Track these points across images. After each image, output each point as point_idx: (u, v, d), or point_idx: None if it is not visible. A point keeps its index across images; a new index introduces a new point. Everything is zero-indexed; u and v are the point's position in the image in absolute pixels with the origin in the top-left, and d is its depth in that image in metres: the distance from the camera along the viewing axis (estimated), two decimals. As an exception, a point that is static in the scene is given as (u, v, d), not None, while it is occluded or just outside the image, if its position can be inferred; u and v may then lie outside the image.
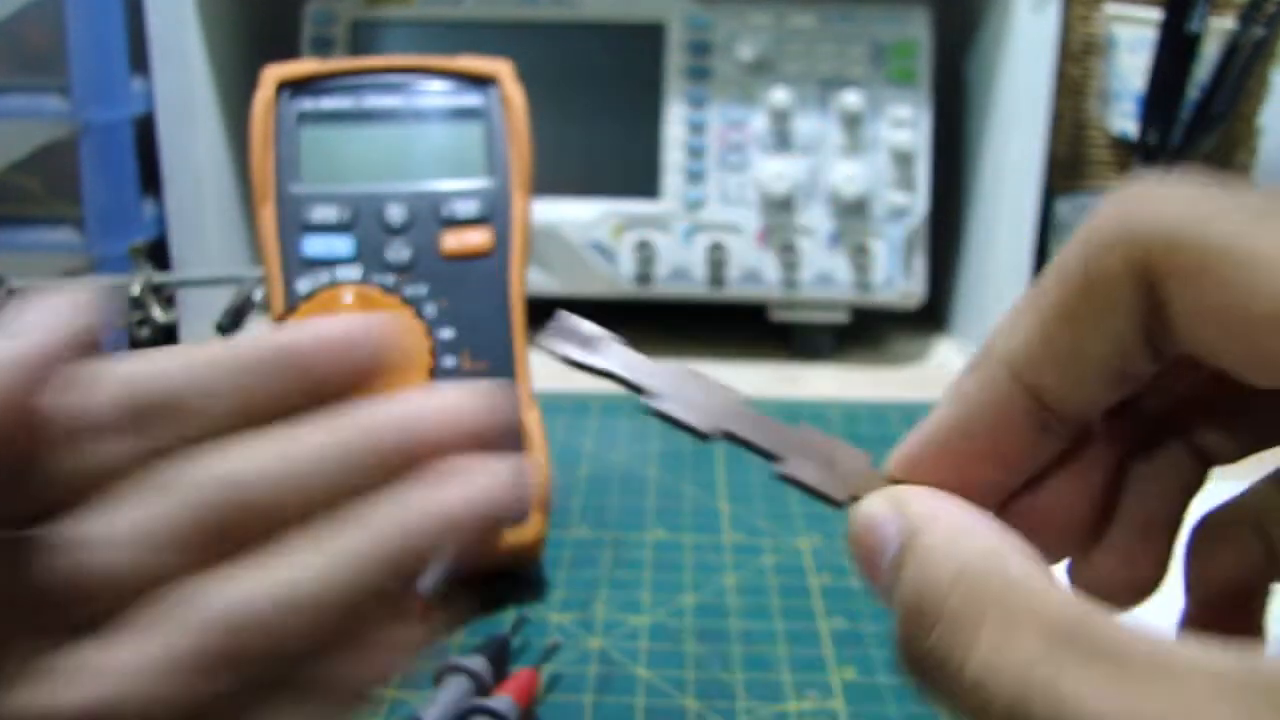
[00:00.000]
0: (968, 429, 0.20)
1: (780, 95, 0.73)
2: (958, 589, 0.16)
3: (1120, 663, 0.15)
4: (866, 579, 0.20)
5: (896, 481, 0.22)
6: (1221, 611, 0.21)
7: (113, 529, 0.20)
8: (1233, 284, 0.16)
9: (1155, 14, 0.72)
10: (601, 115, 0.76)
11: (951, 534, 0.17)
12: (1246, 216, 0.16)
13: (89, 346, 0.21)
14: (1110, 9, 0.74)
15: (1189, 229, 0.16)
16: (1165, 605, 0.21)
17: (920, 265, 0.75)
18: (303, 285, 0.46)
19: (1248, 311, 0.16)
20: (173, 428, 0.21)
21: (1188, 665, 0.15)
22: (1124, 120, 0.75)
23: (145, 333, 0.60)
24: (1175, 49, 0.71)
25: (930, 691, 0.17)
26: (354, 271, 0.47)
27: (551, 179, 0.72)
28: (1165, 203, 0.17)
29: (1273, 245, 0.15)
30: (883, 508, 0.19)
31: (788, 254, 0.74)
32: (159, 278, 0.61)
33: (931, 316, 0.86)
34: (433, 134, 0.49)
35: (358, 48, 0.76)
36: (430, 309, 0.47)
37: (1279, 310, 0.15)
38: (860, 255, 0.74)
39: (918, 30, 0.74)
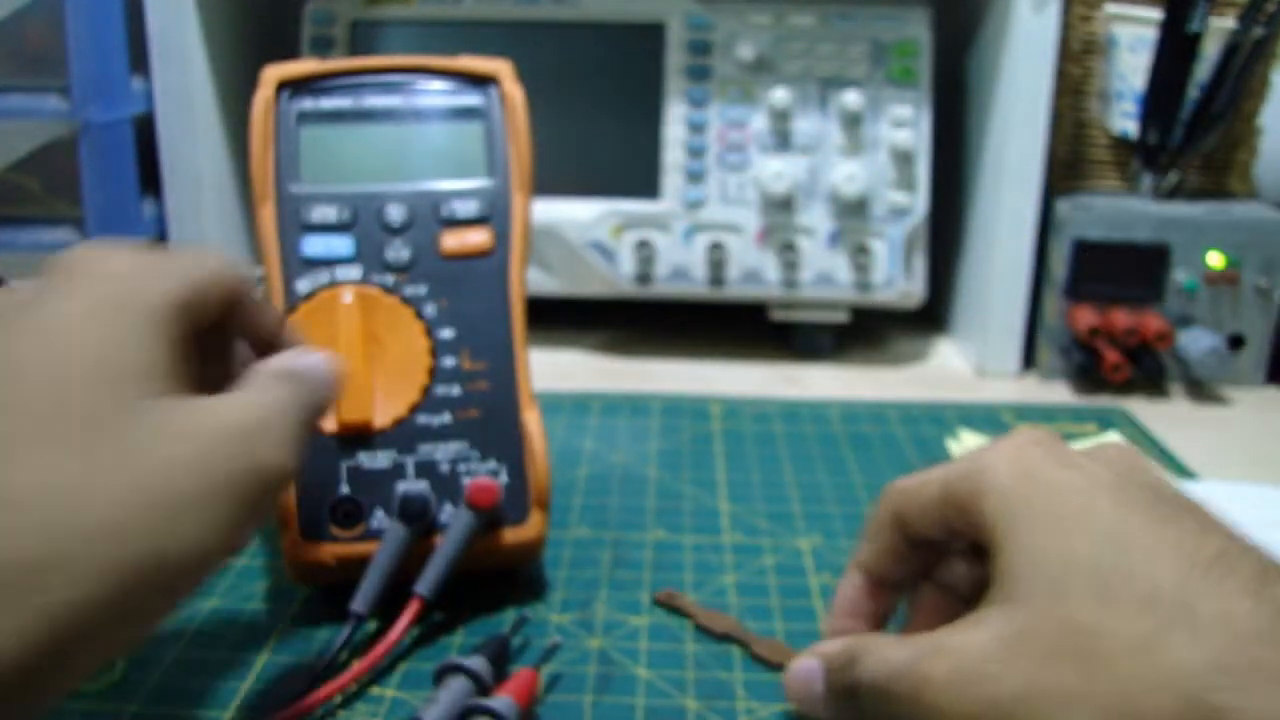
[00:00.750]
0: (849, 599, 0.39)
1: (780, 95, 0.73)
2: (846, 655, 0.34)
3: (911, 644, 0.32)
4: (799, 696, 0.36)
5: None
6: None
7: None
8: (916, 495, 0.36)
9: (1156, 14, 0.72)
10: (602, 115, 0.76)
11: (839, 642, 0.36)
12: (927, 471, 0.36)
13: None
14: (1111, 8, 0.74)
15: (908, 481, 0.37)
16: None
17: (920, 265, 0.75)
18: (302, 285, 0.46)
19: (919, 505, 0.36)
20: None
21: (943, 635, 0.32)
22: (1124, 120, 0.75)
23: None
24: (1176, 49, 0.71)
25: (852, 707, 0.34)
26: (353, 271, 0.47)
27: (551, 179, 0.72)
28: (904, 479, 0.37)
29: (931, 474, 0.36)
30: (808, 658, 0.36)
31: (788, 254, 0.74)
32: (159, 278, 0.60)
33: (931, 316, 0.86)
34: (432, 134, 0.49)
35: (357, 47, 0.76)
36: (430, 309, 0.47)
37: (928, 499, 0.36)
38: (860, 255, 0.74)
39: (918, 30, 0.74)
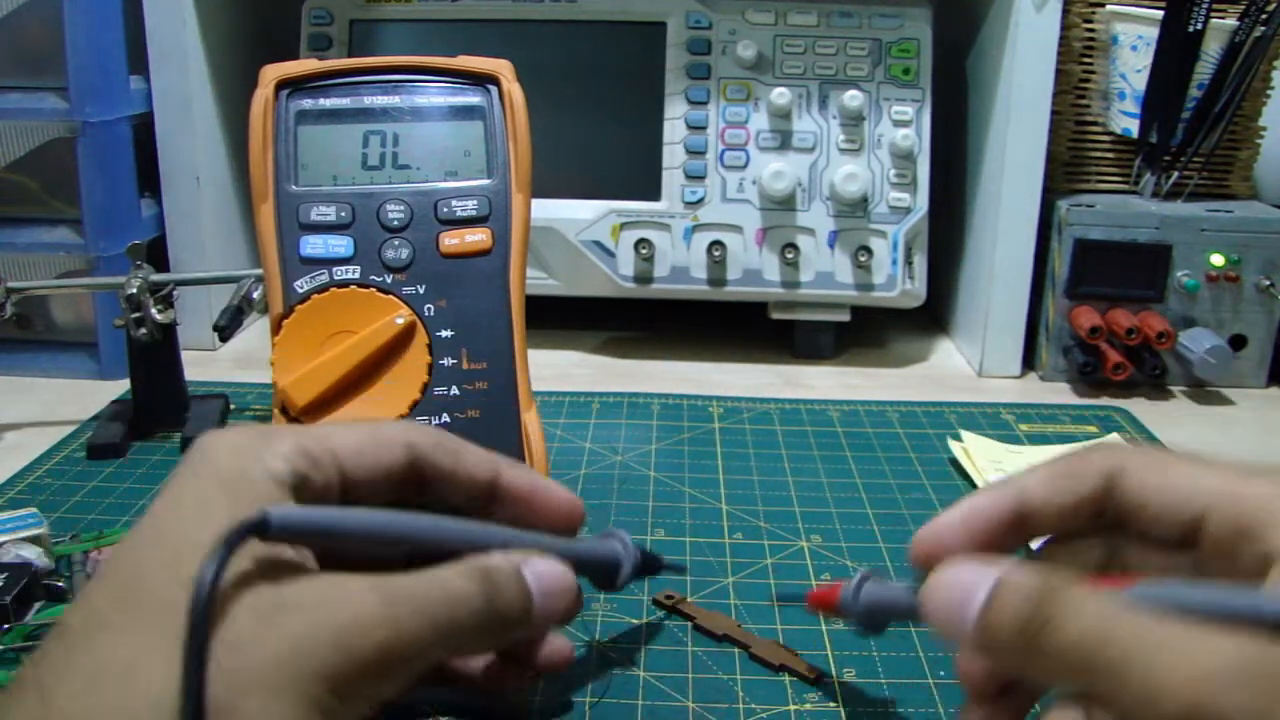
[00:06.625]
0: (985, 517, 0.33)
1: (780, 95, 0.73)
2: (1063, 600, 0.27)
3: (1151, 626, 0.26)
4: (941, 613, 0.29)
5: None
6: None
7: None
8: (1162, 471, 0.31)
9: (1157, 13, 0.71)
10: (602, 114, 0.76)
11: (1031, 573, 0.28)
12: (1168, 451, 0.33)
13: None
14: (1112, 8, 0.74)
15: (1147, 452, 0.33)
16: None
17: (921, 265, 0.75)
18: (301, 285, 0.46)
19: (1163, 482, 0.31)
20: None
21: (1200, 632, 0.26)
22: (1125, 119, 0.75)
23: (143, 333, 0.60)
24: (1177, 48, 0.71)
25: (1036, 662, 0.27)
26: (352, 271, 0.47)
27: (552, 179, 0.72)
28: (1132, 445, 0.34)
29: (1180, 459, 0.32)
30: (970, 571, 0.29)
31: (788, 254, 0.74)
32: (157, 277, 0.60)
33: (932, 316, 0.86)
34: (432, 133, 0.49)
35: (356, 46, 0.76)
36: (429, 309, 0.47)
37: (1181, 483, 0.31)
38: (861, 255, 0.73)
39: (919, 29, 0.74)
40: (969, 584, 0.28)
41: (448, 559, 0.31)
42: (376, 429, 0.34)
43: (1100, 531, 0.33)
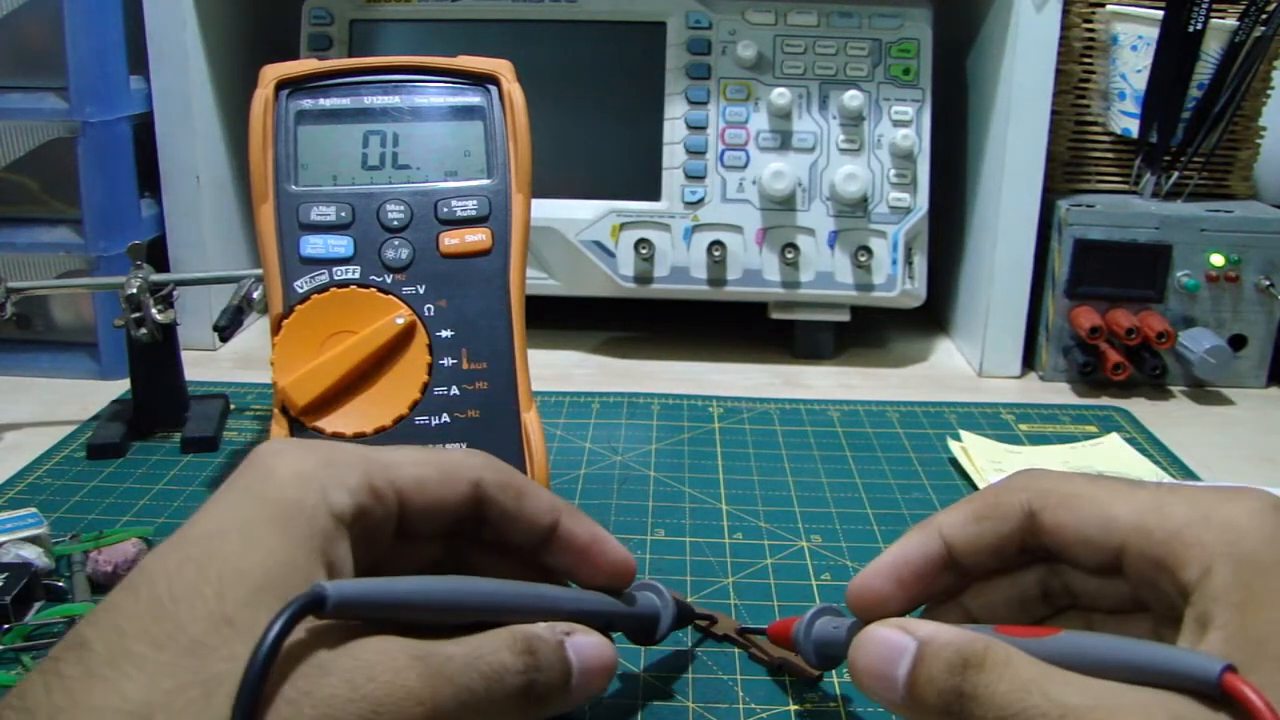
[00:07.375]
0: (913, 563, 0.34)
1: (780, 95, 0.73)
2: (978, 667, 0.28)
3: (1067, 681, 0.27)
4: (871, 672, 0.30)
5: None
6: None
7: None
8: (1075, 507, 0.31)
9: (1157, 13, 0.71)
10: (602, 114, 0.76)
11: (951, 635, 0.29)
12: (1084, 481, 0.32)
13: None
14: (1112, 8, 0.74)
15: (1061, 486, 0.32)
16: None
17: (921, 265, 0.75)
18: (301, 285, 0.46)
19: (1078, 519, 0.31)
20: None
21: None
22: (1125, 119, 0.75)
23: (143, 333, 0.60)
24: (1177, 48, 0.71)
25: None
26: (352, 271, 0.47)
27: (551, 179, 0.72)
28: (1047, 475, 0.33)
29: (1096, 491, 0.31)
30: (897, 631, 0.30)
31: (788, 254, 0.74)
32: (157, 277, 0.60)
33: (932, 316, 0.86)
34: (432, 133, 0.49)
35: (356, 46, 0.76)
36: (429, 309, 0.47)
37: (1095, 519, 0.31)
38: (861, 255, 0.73)
39: (919, 29, 0.74)
40: (893, 650, 0.29)
41: (495, 623, 0.31)
42: (446, 462, 0.34)
43: (1036, 561, 0.34)
